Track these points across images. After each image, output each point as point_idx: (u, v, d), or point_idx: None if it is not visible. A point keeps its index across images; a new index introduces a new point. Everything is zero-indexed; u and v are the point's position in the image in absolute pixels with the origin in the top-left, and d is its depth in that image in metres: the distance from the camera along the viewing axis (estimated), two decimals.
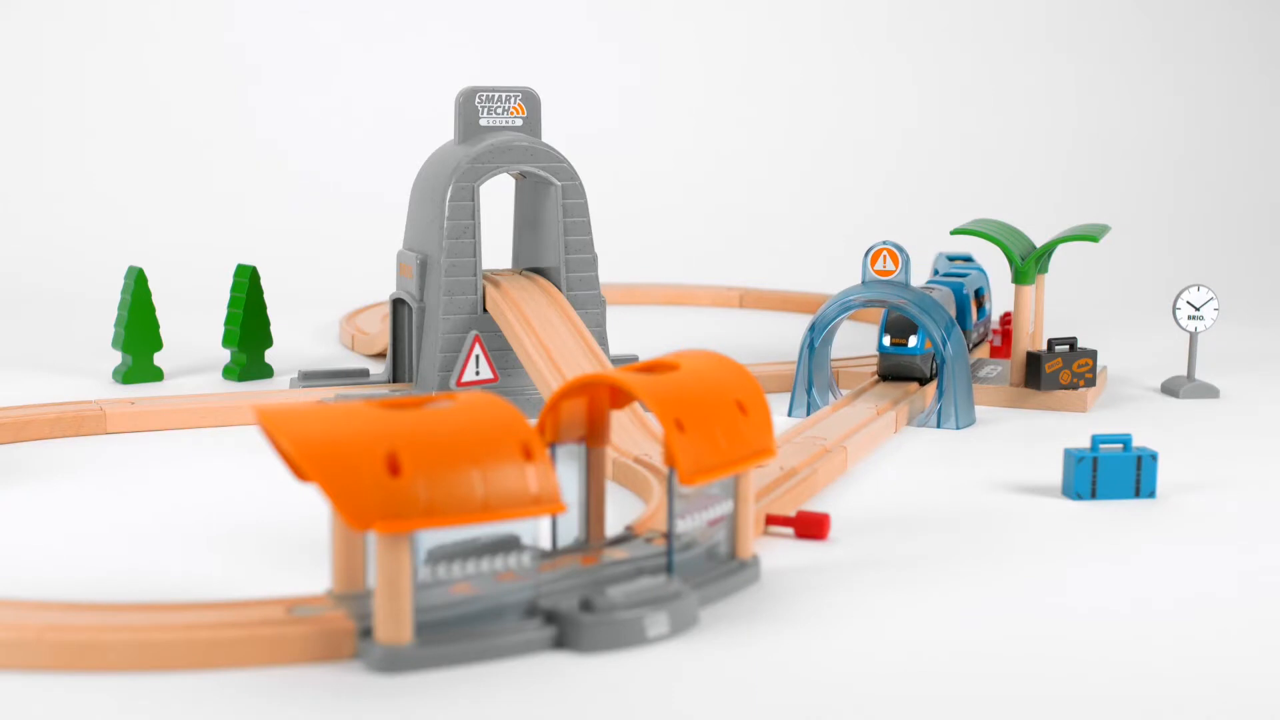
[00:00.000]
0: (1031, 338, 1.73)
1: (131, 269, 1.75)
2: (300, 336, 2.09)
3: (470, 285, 1.60)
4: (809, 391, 1.61)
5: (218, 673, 0.88)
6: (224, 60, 3.02)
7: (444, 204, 1.59)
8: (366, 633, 0.91)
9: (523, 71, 2.95)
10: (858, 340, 2.08)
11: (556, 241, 1.65)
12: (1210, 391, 1.78)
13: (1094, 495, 1.31)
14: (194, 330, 2.02)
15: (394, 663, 0.89)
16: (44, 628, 0.89)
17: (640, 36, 3.17)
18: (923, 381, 1.67)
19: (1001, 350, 2.00)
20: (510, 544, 0.94)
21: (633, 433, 1.40)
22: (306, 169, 2.94)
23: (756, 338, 2.14)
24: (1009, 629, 0.99)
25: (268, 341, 1.80)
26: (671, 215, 2.96)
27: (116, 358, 1.85)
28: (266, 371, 1.80)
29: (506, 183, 1.75)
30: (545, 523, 1.05)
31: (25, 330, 2.13)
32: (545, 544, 1.05)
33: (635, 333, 2.05)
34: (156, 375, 1.76)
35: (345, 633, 0.91)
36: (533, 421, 0.97)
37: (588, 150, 2.30)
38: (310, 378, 1.68)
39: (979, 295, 1.93)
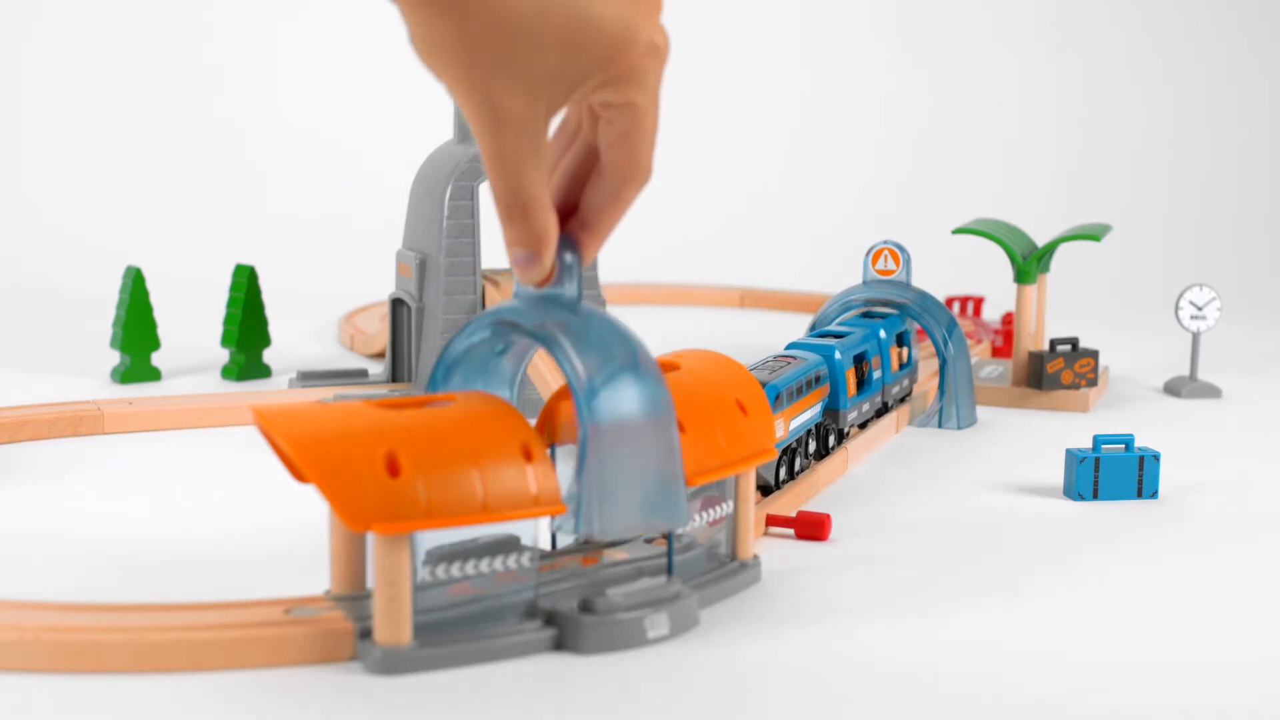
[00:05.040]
0: (1033, 337, 1.73)
1: (129, 269, 1.75)
2: (299, 336, 2.08)
3: (470, 285, 1.60)
4: None
5: (216, 674, 0.88)
6: (223, 60, 3.02)
7: (443, 204, 1.58)
8: (365, 634, 0.90)
9: None
10: None
11: None
12: (1213, 392, 1.78)
13: (1096, 496, 1.31)
14: (192, 330, 2.02)
15: (393, 664, 0.88)
16: (41, 628, 0.88)
17: None
18: (766, 491, 1.25)
19: (1003, 350, 2.00)
20: (510, 544, 0.93)
21: None
22: (305, 169, 2.93)
23: (756, 338, 2.14)
24: (1009, 630, 0.99)
25: (266, 341, 1.80)
26: (672, 215, 2.96)
27: (114, 358, 1.85)
28: (265, 371, 1.80)
29: None
30: (545, 523, 1.04)
31: (23, 330, 2.12)
32: (545, 544, 1.04)
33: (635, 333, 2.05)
34: (154, 375, 1.75)
35: (344, 634, 0.90)
36: (533, 421, 0.96)
37: None
38: (309, 378, 1.67)
39: (902, 341, 1.57)
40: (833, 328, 1.48)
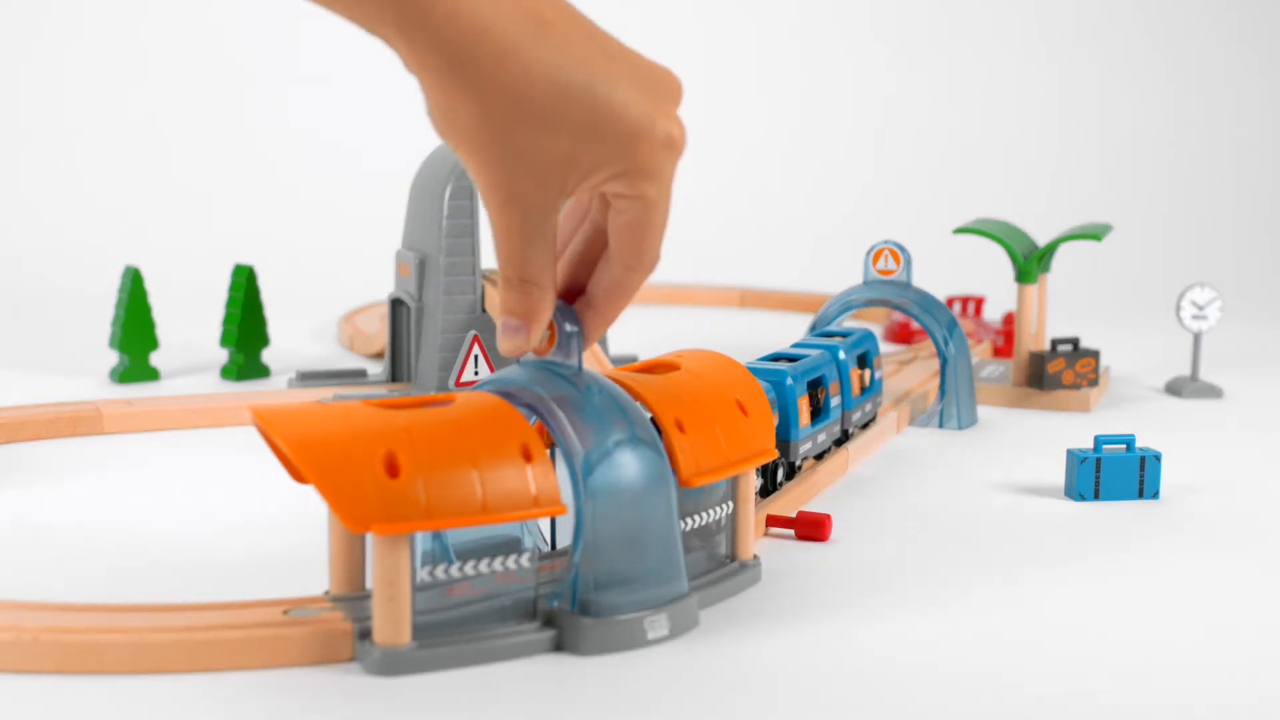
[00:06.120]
0: (1034, 337, 1.72)
1: (128, 269, 1.75)
2: (298, 336, 2.08)
3: (469, 285, 1.60)
4: None
5: (215, 674, 0.87)
6: (222, 59, 3.01)
7: (443, 203, 1.58)
8: (365, 634, 0.90)
9: None
10: None
11: None
12: (1214, 392, 1.78)
13: (1097, 496, 1.31)
14: (191, 330, 2.02)
15: (392, 664, 0.88)
16: (41, 629, 0.88)
17: (640, 35, 3.17)
18: None
19: (1004, 350, 2.00)
20: (510, 545, 0.93)
21: None
22: (305, 168, 2.93)
23: (756, 338, 2.13)
24: (1010, 630, 0.99)
25: (265, 341, 1.79)
26: (672, 215, 2.96)
27: (113, 358, 1.85)
28: (264, 371, 1.79)
29: None
30: (545, 523, 1.04)
31: (21, 330, 2.12)
32: (545, 545, 1.04)
33: (635, 333, 2.05)
34: (153, 375, 1.75)
35: (343, 634, 0.90)
36: (533, 422, 0.96)
37: None
38: (308, 378, 1.67)
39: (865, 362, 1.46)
40: (788, 350, 1.35)
